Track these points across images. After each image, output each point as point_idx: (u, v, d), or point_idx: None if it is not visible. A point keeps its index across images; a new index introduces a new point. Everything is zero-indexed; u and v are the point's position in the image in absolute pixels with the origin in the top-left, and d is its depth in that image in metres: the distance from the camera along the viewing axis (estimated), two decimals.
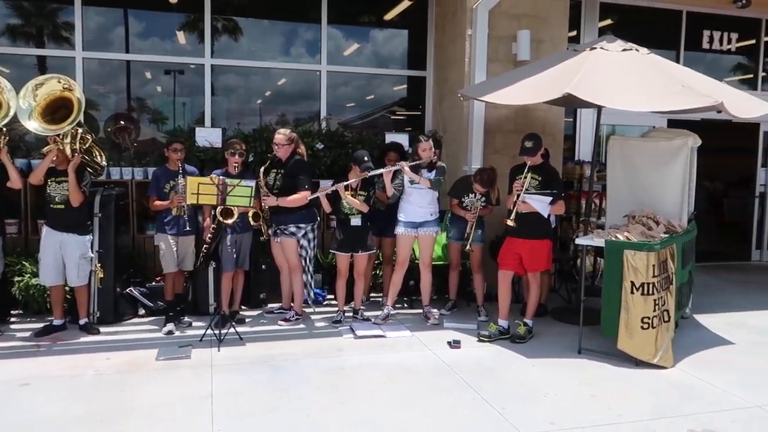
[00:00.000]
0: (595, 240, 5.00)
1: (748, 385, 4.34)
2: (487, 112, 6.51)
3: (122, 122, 7.04)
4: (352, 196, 5.41)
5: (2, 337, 5.05)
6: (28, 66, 6.81)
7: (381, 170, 5.38)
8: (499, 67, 6.51)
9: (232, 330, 5.07)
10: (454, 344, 5.03)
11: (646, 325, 4.53)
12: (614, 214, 5.63)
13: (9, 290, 5.45)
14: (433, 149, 5.49)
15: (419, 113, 7.83)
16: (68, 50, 6.68)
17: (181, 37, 7.17)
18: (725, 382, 4.39)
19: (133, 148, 7.01)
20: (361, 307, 5.76)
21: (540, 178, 5.15)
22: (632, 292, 4.54)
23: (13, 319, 5.52)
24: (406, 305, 6.25)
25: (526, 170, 5.07)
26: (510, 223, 5.02)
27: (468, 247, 5.62)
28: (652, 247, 4.55)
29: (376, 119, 7.99)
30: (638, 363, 4.62)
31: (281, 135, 5.43)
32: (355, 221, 5.48)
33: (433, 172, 5.50)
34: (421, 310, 5.82)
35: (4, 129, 5.00)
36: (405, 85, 8.02)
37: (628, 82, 5.05)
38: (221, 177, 4.96)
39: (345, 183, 5.37)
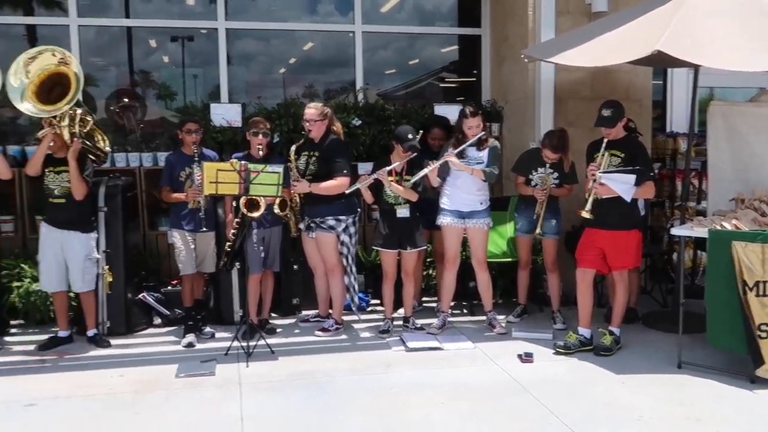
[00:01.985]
0: (696, 230, 4.91)
1: None
2: (557, 76, 6.46)
3: (126, 100, 7.18)
4: (396, 182, 5.41)
5: (2, 351, 5.24)
6: (16, 37, 6.99)
7: (423, 171, 5.34)
8: (570, 21, 6.45)
9: (261, 342, 5.15)
10: (526, 357, 5.01)
11: (764, 334, 4.44)
12: (718, 197, 5.52)
13: (7, 298, 5.64)
14: (481, 125, 5.45)
15: (473, 79, 7.78)
16: (61, 17, 6.81)
17: None
18: None
19: (140, 130, 7.14)
20: (412, 315, 5.78)
21: (623, 155, 5.07)
22: (745, 293, 4.45)
23: (13, 331, 5.73)
24: (465, 311, 6.26)
25: (603, 146, 5.00)
26: (585, 214, 4.96)
27: (538, 231, 5.57)
28: (767, 238, 4.45)
29: (422, 88, 7.98)
30: (754, 380, 4.53)
31: (313, 110, 5.43)
32: (402, 212, 5.48)
33: (485, 153, 5.46)
34: (483, 317, 5.82)
35: None
36: (456, 46, 7.98)
37: (732, 34, 4.91)
38: (243, 162, 5.00)
39: (387, 168, 5.37)
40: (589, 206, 4.95)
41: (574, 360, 5.02)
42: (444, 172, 5.47)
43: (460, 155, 5.40)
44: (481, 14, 7.56)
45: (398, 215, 5.48)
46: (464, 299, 6.24)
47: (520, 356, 5.04)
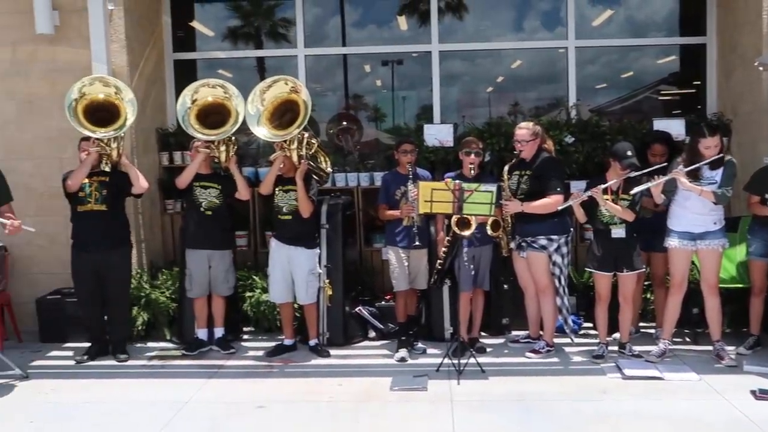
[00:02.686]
0: None
1: None
2: None
3: (344, 123, 7.64)
4: (612, 200, 5.23)
5: (236, 355, 5.78)
6: (248, 68, 7.74)
7: (647, 185, 5.09)
8: None
9: (472, 360, 5.19)
10: (761, 394, 4.59)
11: None
12: None
13: (241, 306, 6.23)
14: (720, 145, 5.08)
15: (694, 91, 7.36)
16: (290, 48, 7.42)
17: (401, 22, 7.57)
18: None
19: (357, 151, 7.57)
20: (629, 340, 5.53)
21: None
22: None
23: (245, 337, 6.29)
24: (688, 339, 5.88)
25: None
26: None
27: None
28: None
29: (638, 102, 7.67)
30: None
31: (524, 130, 5.42)
32: (618, 232, 5.27)
33: (718, 173, 5.08)
34: (709, 347, 5.42)
35: (233, 138, 5.73)
36: (674, 57, 7.59)
37: None
38: (457, 181, 5.11)
39: (603, 186, 5.21)
40: None
41: None
42: (669, 190, 5.20)
43: (693, 175, 5.09)
44: (705, 22, 7.12)
45: (613, 235, 5.28)
46: (686, 326, 5.85)
47: (753, 392, 4.63)
